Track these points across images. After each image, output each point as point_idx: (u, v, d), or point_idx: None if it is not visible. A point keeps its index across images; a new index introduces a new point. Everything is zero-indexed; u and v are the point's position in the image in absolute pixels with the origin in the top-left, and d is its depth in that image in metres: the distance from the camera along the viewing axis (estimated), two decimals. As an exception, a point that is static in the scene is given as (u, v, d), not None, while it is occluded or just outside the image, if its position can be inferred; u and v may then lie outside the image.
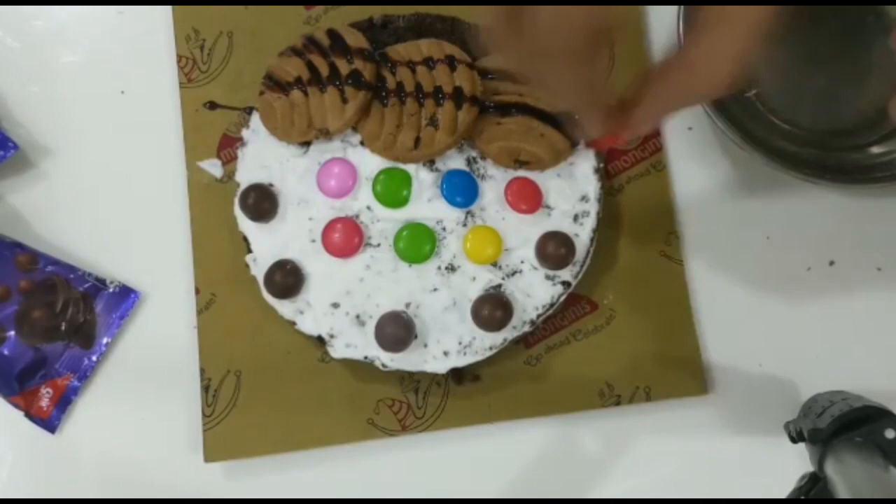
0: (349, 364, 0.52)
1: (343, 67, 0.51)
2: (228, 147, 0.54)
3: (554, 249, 0.50)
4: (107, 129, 0.56)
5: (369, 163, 0.51)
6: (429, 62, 0.51)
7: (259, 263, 0.51)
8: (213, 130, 0.54)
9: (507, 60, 0.38)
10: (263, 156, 0.52)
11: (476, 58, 0.52)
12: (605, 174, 0.54)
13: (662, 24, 0.56)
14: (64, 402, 0.54)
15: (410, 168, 0.51)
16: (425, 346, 0.51)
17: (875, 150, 0.54)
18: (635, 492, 0.53)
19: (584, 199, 0.52)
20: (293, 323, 0.51)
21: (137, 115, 0.56)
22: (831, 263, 0.55)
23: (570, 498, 0.53)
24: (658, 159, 0.55)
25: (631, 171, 0.55)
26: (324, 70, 0.51)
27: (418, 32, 0.53)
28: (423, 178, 0.51)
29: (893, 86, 0.54)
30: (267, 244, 0.52)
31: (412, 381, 0.53)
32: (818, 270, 0.55)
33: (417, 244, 0.51)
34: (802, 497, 0.45)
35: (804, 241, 0.55)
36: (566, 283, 0.51)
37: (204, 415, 0.52)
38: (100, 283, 0.54)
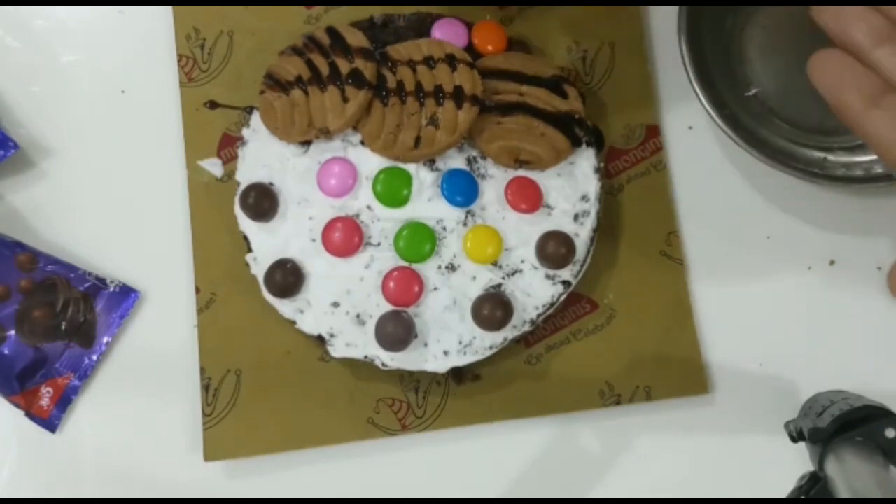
0: (349, 363, 0.52)
1: (344, 67, 0.51)
2: (229, 146, 0.54)
3: (554, 249, 0.50)
4: (107, 129, 0.56)
5: (369, 162, 0.51)
6: (429, 61, 0.51)
7: (259, 263, 0.51)
8: (213, 129, 0.54)
9: None
10: (264, 155, 0.52)
11: (476, 57, 0.52)
12: (606, 173, 0.54)
13: (663, 25, 0.56)
14: (64, 401, 0.54)
15: (411, 167, 0.51)
16: (425, 345, 0.51)
17: (875, 149, 0.54)
18: (635, 491, 0.53)
19: (584, 198, 0.52)
20: (293, 322, 0.51)
21: (138, 115, 0.56)
22: (832, 263, 0.55)
23: (570, 498, 0.53)
24: (658, 159, 0.55)
25: (631, 170, 0.55)
26: (324, 69, 0.51)
27: (419, 32, 0.53)
28: (423, 178, 0.51)
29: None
30: (267, 243, 0.52)
31: (412, 380, 0.53)
32: (818, 270, 0.55)
33: (417, 243, 0.51)
34: (802, 497, 0.45)
35: (804, 241, 0.55)
36: (566, 283, 0.51)
37: (204, 414, 0.52)
38: (100, 283, 0.54)
